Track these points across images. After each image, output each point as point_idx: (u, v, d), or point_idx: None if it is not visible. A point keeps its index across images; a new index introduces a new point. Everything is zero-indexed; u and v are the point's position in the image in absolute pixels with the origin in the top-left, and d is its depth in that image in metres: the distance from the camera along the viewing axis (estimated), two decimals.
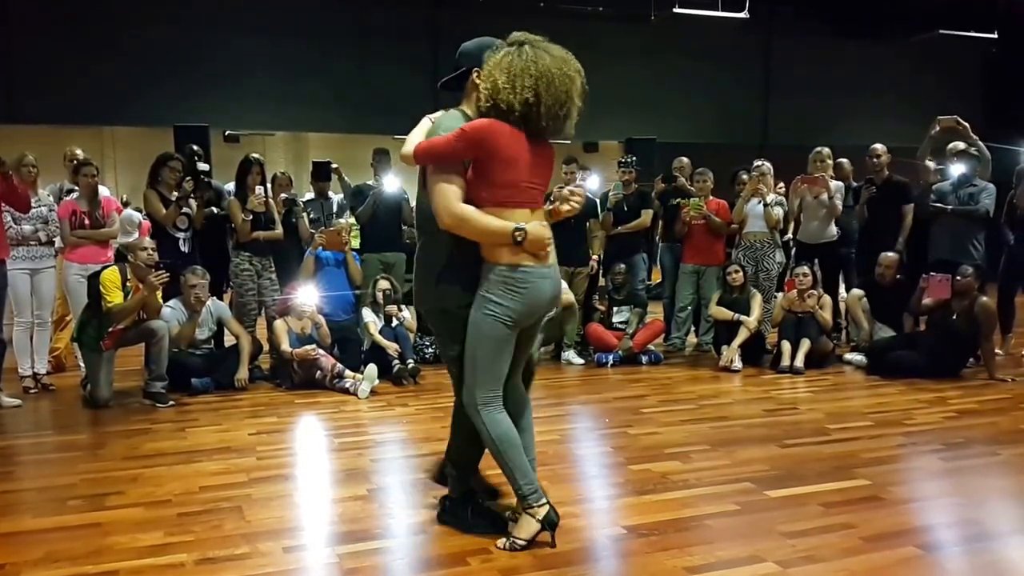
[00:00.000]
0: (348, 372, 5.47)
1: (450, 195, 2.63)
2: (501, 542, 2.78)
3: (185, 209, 5.75)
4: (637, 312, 6.54)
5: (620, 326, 6.52)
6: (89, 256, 5.70)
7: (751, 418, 4.73)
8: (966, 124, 6.37)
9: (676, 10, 12.39)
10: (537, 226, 2.67)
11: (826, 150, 6.77)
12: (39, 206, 5.53)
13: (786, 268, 6.97)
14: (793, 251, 7.29)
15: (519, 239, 2.62)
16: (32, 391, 5.45)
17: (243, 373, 5.53)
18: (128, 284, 5.13)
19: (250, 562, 2.72)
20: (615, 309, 6.57)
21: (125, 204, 9.11)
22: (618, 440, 4.18)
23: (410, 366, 5.68)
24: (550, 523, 2.76)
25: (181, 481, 3.58)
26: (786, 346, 6.06)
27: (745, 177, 6.84)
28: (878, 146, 6.71)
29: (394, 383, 5.61)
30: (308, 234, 6.34)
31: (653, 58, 12.62)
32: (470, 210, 2.63)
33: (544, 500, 2.77)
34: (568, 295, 6.08)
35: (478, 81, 2.70)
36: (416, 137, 2.75)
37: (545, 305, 2.78)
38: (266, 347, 6.02)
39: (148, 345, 5.19)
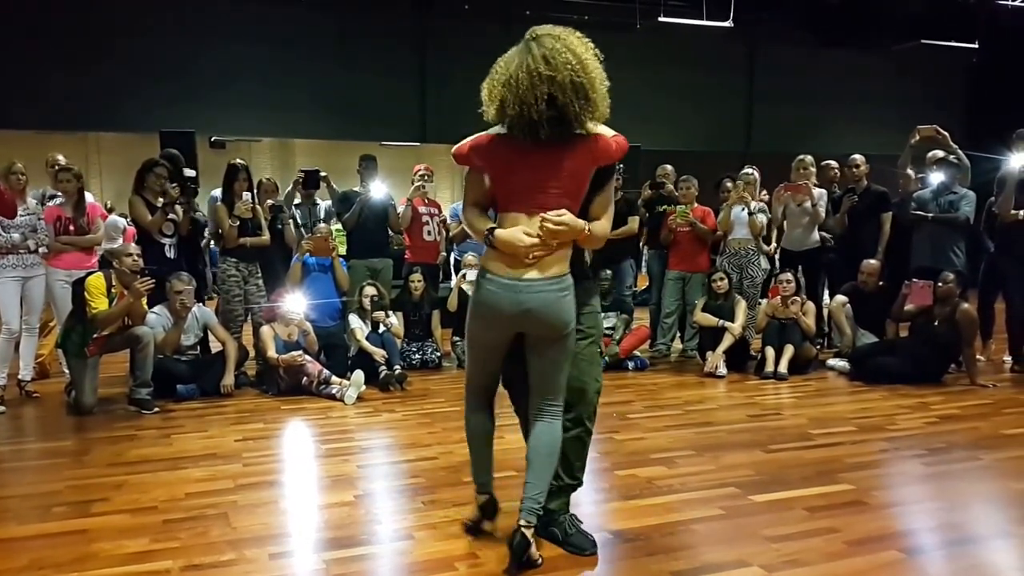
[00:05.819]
0: (335, 378, 5.47)
1: (466, 198, 2.79)
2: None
3: (171, 215, 5.73)
4: (623, 318, 6.57)
5: (606, 332, 6.55)
6: (74, 262, 5.67)
7: (735, 423, 4.76)
8: (945, 133, 6.47)
9: (661, 19, 12.50)
10: (513, 231, 2.55)
11: (809, 158, 6.85)
12: (27, 214, 5.44)
13: (770, 275, 7.03)
14: (777, 258, 7.35)
15: (489, 240, 2.60)
16: None
17: (229, 379, 5.51)
18: (113, 290, 5.10)
19: (236, 569, 2.72)
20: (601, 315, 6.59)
21: (110, 210, 9.07)
22: (604, 445, 4.19)
23: (397, 372, 5.68)
24: (471, 520, 2.95)
25: (166, 488, 3.57)
26: (770, 352, 6.11)
27: (730, 185, 6.90)
28: (857, 156, 6.82)
29: (381, 389, 5.61)
30: (294, 240, 6.35)
31: (638, 66, 12.67)
32: (469, 212, 2.75)
33: (479, 499, 2.92)
34: None
35: None
36: (465, 140, 2.73)
37: (504, 317, 2.61)
38: (252, 353, 6.00)
39: (133, 351, 5.16)
